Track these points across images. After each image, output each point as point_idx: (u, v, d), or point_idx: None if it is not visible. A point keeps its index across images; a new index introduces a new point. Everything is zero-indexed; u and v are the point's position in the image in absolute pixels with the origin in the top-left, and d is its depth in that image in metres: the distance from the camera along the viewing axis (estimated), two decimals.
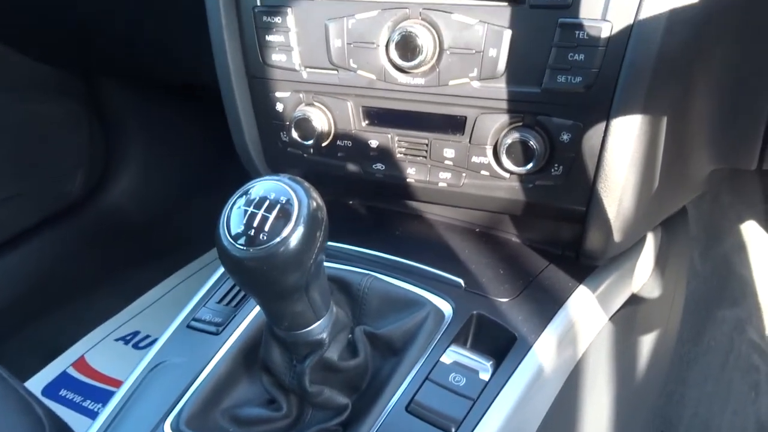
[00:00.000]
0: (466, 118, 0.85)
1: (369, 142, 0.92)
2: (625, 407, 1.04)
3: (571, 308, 0.84)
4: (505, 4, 0.78)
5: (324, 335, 0.71)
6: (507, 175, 0.86)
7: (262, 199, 0.60)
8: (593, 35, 0.75)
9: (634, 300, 1.01)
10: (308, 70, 0.91)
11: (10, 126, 1.84)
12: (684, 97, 0.82)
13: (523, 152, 0.82)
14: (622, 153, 0.78)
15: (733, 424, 1.44)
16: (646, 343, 1.07)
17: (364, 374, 0.78)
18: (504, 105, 0.82)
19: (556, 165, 0.83)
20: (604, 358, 0.92)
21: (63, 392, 1.80)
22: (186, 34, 1.27)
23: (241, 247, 0.59)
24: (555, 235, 0.95)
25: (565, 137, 0.81)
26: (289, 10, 0.88)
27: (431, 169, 0.90)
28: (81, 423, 1.20)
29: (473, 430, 0.71)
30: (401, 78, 0.85)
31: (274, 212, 0.59)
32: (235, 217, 0.60)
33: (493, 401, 0.73)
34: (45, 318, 1.95)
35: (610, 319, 0.92)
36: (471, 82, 0.82)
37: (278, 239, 0.59)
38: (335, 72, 0.89)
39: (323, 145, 0.94)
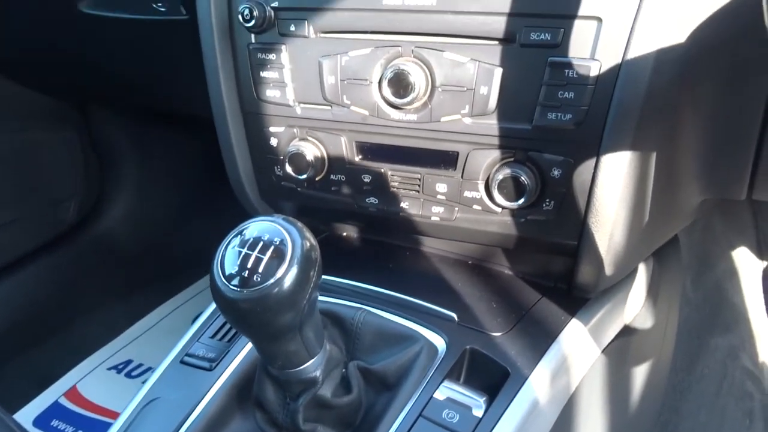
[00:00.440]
0: (458, 153, 0.86)
1: (362, 176, 0.93)
2: None
3: (564, 342, 0.85)
4: (496, 42, 0.80)
5: (317, 373, 0.71)
6: (499, 209, 0.86)
7: (256, 240, 0.60)
8: (582, 74, 0.76)
9: (627, 331, 1.01)
10: (302, 105, 0.92)
11: (5, 153, 1.84)
12: (672, 133, 0.83)
13: (514, 187, 0.83)
14: (612, 189, 0.79)
15: None
16: (640, 373, 1.07)
17: (357, 410, 0.78)
18: (495, 141, 0.83)
19: (547, 200, 0.83)
20: (597, 391, 0.92)
21: (55, 423, 1.78)
22: (181, 67, 1.28)
23: (235, 288, 0.59)
24: (547, 267, 0.95)
25: (556, 173, 0.82)
26: (283, 47, 0.90)
27: (424, 204, 0.91)
28: None
29: None
30: (394, 114, 0.86)
31: (268, 253, 0.60)
32: (229, 257, 0.61)
33: None
34: (37, 347, 1.93)
35: (602, 351, 0.93)
36: (463, 119, 0.83)
37: (272, 280, 0.59)
38: (329, 108, 0.90)
39: (317, 179, 0.95)
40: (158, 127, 2.13)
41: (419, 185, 0.90)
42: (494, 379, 0.79)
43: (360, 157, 0.92)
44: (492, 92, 0.81)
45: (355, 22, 0.85)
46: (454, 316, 0.86)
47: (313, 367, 0.70)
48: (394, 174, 0.91)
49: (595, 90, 0.76)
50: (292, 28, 0.88)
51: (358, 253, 1.06)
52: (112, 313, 2.11)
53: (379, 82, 0.85)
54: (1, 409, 0.94)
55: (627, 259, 0.89)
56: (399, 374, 0.80)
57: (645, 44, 0.73)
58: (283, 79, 0.91)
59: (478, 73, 0.81)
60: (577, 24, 0.75)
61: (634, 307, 1.05)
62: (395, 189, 0.92)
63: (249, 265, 0.59)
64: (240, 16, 0.88)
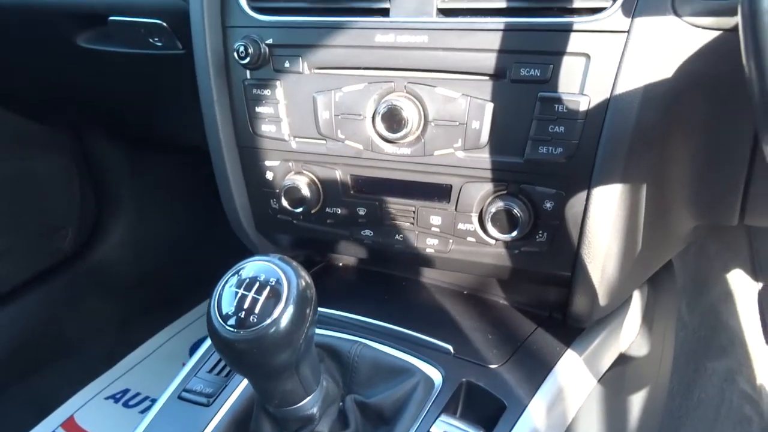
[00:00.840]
0: (451, 186, 0.87)
1: (357, 209, 0.94)
2: None
3: (560, 373, 0.85)
4: (487, 78, 0.81)
5: (314, 410, 0.71)
6: (493, 241, 0.87)
7: (253, 280, 0.61)
8: (572, 108, 0.77)
9: (623, 359, 1.02)
10: (297, 140, 0.93)
11: (1, 181, 1.85)
12: (662, 163, 0.85)
13: (507, 220, 0.84)
14: (604, 221, 0.80)
15: None
16: (637, 401, 1.07)
17: None
18: (488, 174, 0.84)
19: (540, 232, 0.84)
20: (594, 421, 0.92)
21: None
22: (178, 99, 1.30)
23: (232, 329, 0.60)
24: (542, 297, 0.96)
25: (548, 205, 0.83)
26: (278, 83, 0.91)
27: (419, 236, 0.92)
28: None
29: None
30: (388, 148, 0.87)
31: (264, 293, 0.60)
32: (226, 298, 0.61)
33: None
34: (33, 377, 1.92)
35: (599, 381, 0.93)
36: (455, 153, 0.84)
37: (269, 320, 0.60)
38: (323, 142, 0.91)
39: (312, 212, 0.96)
40: (155, 154, 2.15)
41: (414, 218, 0.91)
42: (491, 412, 0.79)
43: (355, 190, 0.93)
44: (484, 127, 0.82)
45: (349, 59, 0.87)
46: (450, 348, 0.86)
47: (310, 404, 0.70)
48: (389, 207, 0.92)
49: (585, 124, 0.77)
50: (287, 64, 0.90)
51: (354, 283, 1.07)
52: (109, 341, 2.11)
53: (373, 117, 0.86)
54: None
55: (621, 289, 0.90)
56: (396, 408, 0.80)
57: (632, 80, 0.75)
58: (279, 114, 0.93)
59: (469, 108, 0.82)
60: (566, 60, 0.77)
61: (630, 334, 1.05)
62: (390, 221, 0.93)
63: (245, 306, 0.60)
64: (235, 54, 0.90)
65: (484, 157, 0.84)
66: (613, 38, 0.74)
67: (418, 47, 0.83)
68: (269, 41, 0.90)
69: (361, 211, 0.94)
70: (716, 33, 0.72)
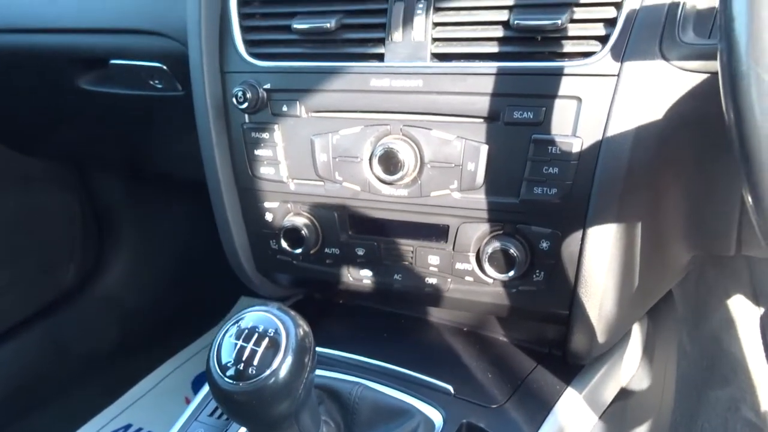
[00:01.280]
0: (448, 227, 0.88)
1: (356, 249, 0.95)
2: None
3: (560, 412, 0.85)
4: (481, 120, 0.82)
5: None
6: (490, 280, 0.88)
7: (251, 331, 0.62)
8: (565, 150, 0.79)
9: (624, 394, 1.01)
10: (296, 181, 0.94)
11: (2, 217, 1.86)
12: (656, 201, 0.85)
13: (504, 260, 0.85)
14: (600, 259, 0.81)
15: None
16: None
17: None
18: (484, 215, 0.85)
19: (537, 271, 0.85)
20: None
21: None
22: (178, 136, 1.31)
23: (231, 381, 0.60)
24: (541, 334, 0.97)
25: (545, 245, 0.83)
26: (276, 126, 0.93)
27: (417, 275, 0.93)
28: None
29: None
30: (385, 189, 0.89)
31: (263, 345, 0.61)
32: (224, 350, 0.62)
33: None
34: (35, 413, 1.92)
35: (600, 417, 0.93)
36: (452, 194, 0.85)
37: (268, 372, 0.60)
38: (322, 184, 0.92)
39: (311, 252, 0.97)
40: (155, 188, 2.16)
41: (412, 257, 0.92)
42: None
43: (353, 230, 0.94)
44: (479, 168, 0.83)
45: (345, 103, 0.88)
46: (450, 388, 0.86)
47: None
48: (387, 247, 0.93)
49: (578, 165, 0.79)
50: (285, 108, 0.91)
51: (353, 321, 1.07)
52: (111, 375, 2.10)
53: (370, 159, 0.87)
54: None
55: (620, 325, 0.91)
56: None
57: (624, 122, 0.76)
58: (277, 157, 0.94)
59: (465, 150, 0.83)
60: (558, 103, 0.78)
61: (630, 367, 1.05)
62: (389, 261, 0.94)
63: (244, 358, 0.60)
64: (234, 99, 0.91)
65: (480, 198, 0.85)
66: (603, 82, 0.76)
67: (413, 91, 0.84)
68: (267, 86, 0.92)
69: (360, 252, 0.94)
70: (704, 76, 0.73)
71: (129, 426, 1.96)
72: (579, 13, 0.77)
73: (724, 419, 1.46)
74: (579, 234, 0.81)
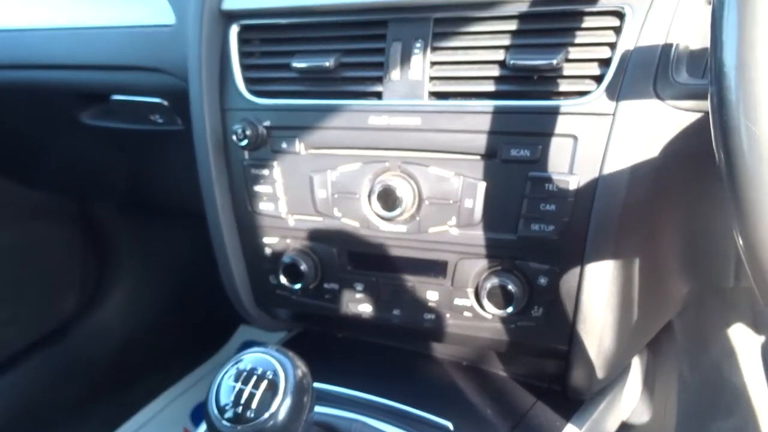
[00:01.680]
0: (447, 262, 0.88)
1: (355, 285, 0.95)
2: None
3: None
4: (479, 158, 0.83)
5: None
6: (489, 316, 0.88)
7: (250, 373, 0.62)
8: (562, 188, 0.79)
9: (625, 427, 1.01)
10: (295, 217, 0.95)
11: (4, 249, 1.86)
12: (654, 236, 0.86)
13: (503, 296, 0.85)
14: (598, 295, 0.81)
15: None
16: None
17: None
18: (482, 251, 0.86)
19: (535, 307, 0.85)
20: None
21: None
22: (179, 169, 1.32)
23: (229, 424, 0.60)
24: (541, 369, 0.96)
25: (543, 281, 0.84)
26: (275, 163, 0.93)
27: (416, 311, 0.93)
28: None
29: None
30: (383, 226, 0.89)
31: (262, 387, 0.61)
32: (223, 391, 0.62)
33: None
34: None
35: None
36: (450, 230, 0.86)
37: (266, 415, 0.60)
38: (320, 219, 0.93)
39: (311, 287, 0.97)
40: (156, 219, 2.17)
41: (411, 293, 0.92)
42: None
43: (352, 266, 0.95)
44: (477, 205, 0.84)
45: (344, 140, 0.89)
46: (450, 425, 0.86)
47: None
48: (386, 282, 0.93)
49: (575, 203, 0.79)
50: (284, 145, 0.92)
51: (352, 355, 1.07)
52: (110, 405, 2.09)
53: (368, 196, 0.88)
54: None
55: (619, 360, 0.91)
56: None
57: (620, 160, 0.77)
58: (276, 193, 0.95)
59: (462, 187, 0.84)
60: (554, 141, 0.79)
61: (631, 401, 1.05)
62: (387, 297, 0.94)
63: (243, 401, 0.60)
64: (234, 136, 0.92)
65: (478, 234, 0.85)
66: (599, 120, 0.77)
67: (411, 129, 0.85)
68: (267, 123, 0.93)
69: (359, 287, 0.95)
70: (698, 114, 0.74)
71: None
72: (574, 53, 0.78)
73: None
74: (577, 270, 0.82)
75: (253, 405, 0.60)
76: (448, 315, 0.91)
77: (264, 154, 0.94)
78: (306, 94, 0.91)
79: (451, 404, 0.92)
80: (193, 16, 0.96)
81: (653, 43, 0.74)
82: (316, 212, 0.93)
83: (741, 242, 0.51)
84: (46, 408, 1.97)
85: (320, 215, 0.93)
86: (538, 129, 0.79)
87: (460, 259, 0.87)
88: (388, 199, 0.86)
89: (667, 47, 0.74)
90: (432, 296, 0.91)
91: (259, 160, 0.95)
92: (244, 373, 0.62)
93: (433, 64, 0.84)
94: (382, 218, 0.88)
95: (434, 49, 0.84)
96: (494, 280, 0.85)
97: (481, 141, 0.82)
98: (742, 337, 1.62)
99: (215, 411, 0.61)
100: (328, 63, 0.87)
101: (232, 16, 0.95)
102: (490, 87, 0.81)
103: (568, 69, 0.78)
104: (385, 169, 0.87)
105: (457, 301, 0.89)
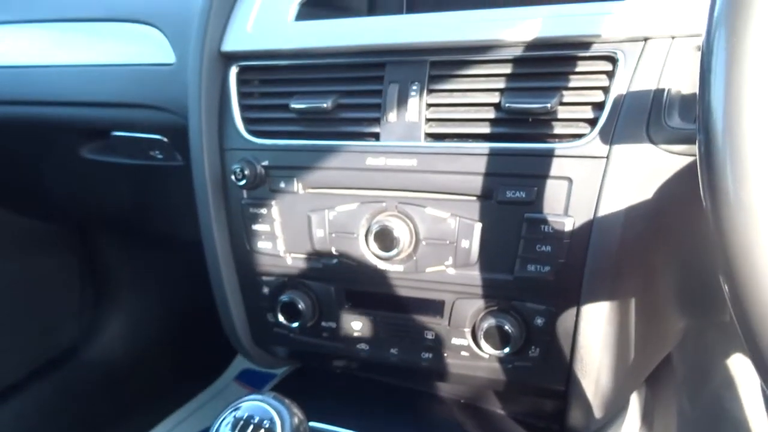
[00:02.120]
0: (443, 302, 0.89)
1: (352, 323, 0.95)
2: None
3: None
4: (475, 199, 0.84)
5: None
6: (486, 356, 0.88)
7: (247, 422, 0.62)
8: (557, 229, 0.80)
9: None
10: (293, 256, 0.95)
11: (3, 281, 1.86)
12: (649, 275, 0.86)
13: (500, 336, 0.85)
14: (595, 335, 0.82)
15: None
16: None
17: None
18: (479, 291, 0.86)
19: (532, 347, 0.86)
20: None
21: None
22: (179, 202, 1.33)
23: None
24: (539, 408, 0.96)
25: (539, 321, 0.84)
26: (273, 202, 0.94)
27: (413, 350, 0.93)
28: None
29: None
30: (381, 265, 0.90)
31: None
32: None
33: None
34: None
35: None
36: (447, 270, 0.87)
37: None
38: (318, 258, 0.94)
39: (308, 325, 0.97)
40: (155, 249, 2.17)
41: (408, 332, 0.92)
42: None
43: (349, 305, 0.95)
44: (473, 245, 0.84)
45: (341, 180, 0.90)
46: None
47: None
48: (383, 321, 0.94)
49: (571, 244, 0.80)
50: (282, 184, 0.93)
51: (349, 393, 1.07)
52: None
53: (366, 236, 0.89)
54: None
55: (617, 398, 0.91)
56: None
57: (614, 202, 0.77)
58: (274, 232, 0.95)
59: (459, 228, 0.84)
60: (550, 183, 0.80)
61: None
62: (385, 335, 0.94)
63: None
64: (233, 175, 0.93)
65: (474, 275, 0.85)
66: (593, 163, 0.78)
67: (407, 170, 0.86)
68: (265, 163, 0.94)
69: (356, 326, 0.95)
70: (690, 158, 0.75)
71: None
72: (568, 96, 0.79)
73: None
74: (573, 310, 0.82)
75: None
76: (445, 354, 0.91)
77: (262, 194, 0.95)
78: (304, 135, 0.92)
79: None
80: (193, 56, 0.97)
81: (646, 87, 0.76)
82: (313, 251, 0.93)
83: (726, 290, 0.51)
84: None
85: (318, 254, 0.93)
86: (534, 171, 0.80)
87: (456, 299, 0.88)
88: (385, 239, 0.87)
89: (659, 92, 0.75)
90: (429, 335, 0.91)
91: (257, 199, 0.95)
92: (241, 422, 0.62)
93: (429, 106, 0.85)
94: (380, 258, 0.89)
95: (430, 91, 0.85)
96: (491, 321, 0.85)
97: (476, 182, 0.83)
98: (741, 368, 1.62)
99: None
100: (326, 104, 0.88)
101: (231, 57, 0.96)
102: (485, 129, 0.82)
103: (563, 112, 0.79)
104: (383, 209, 0.88)
105: (454, 341, 0.89)
